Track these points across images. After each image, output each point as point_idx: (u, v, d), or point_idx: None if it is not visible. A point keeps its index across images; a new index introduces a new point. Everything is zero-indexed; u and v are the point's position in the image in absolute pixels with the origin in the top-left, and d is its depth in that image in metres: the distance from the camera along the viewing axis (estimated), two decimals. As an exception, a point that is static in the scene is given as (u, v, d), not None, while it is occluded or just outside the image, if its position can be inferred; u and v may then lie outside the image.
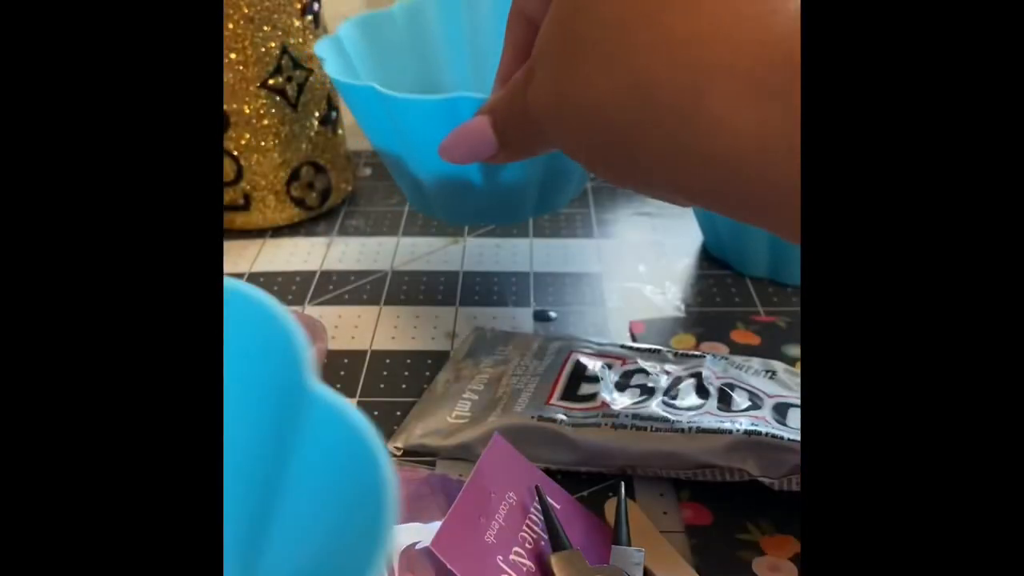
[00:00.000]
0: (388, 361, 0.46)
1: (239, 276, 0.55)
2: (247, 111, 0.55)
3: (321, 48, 0.49)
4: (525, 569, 0.31)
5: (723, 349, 0.46)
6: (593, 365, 0.41)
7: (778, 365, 0.41)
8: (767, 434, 0.34)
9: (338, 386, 0.44)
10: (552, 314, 0.50)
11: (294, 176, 0.59)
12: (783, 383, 0.39)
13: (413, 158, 0.46)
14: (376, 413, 0.42)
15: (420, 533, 0.34)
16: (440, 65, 0.57)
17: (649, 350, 0.43)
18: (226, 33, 0.53)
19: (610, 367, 0.41)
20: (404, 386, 0.44)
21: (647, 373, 0.40)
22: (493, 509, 0.32)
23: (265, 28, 0.54)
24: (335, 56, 0.50)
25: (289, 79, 0.56)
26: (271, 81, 0.55)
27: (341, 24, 0.52)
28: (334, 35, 0.51)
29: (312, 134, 0.59)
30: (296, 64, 0.56)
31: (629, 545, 0.32)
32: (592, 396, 0.39)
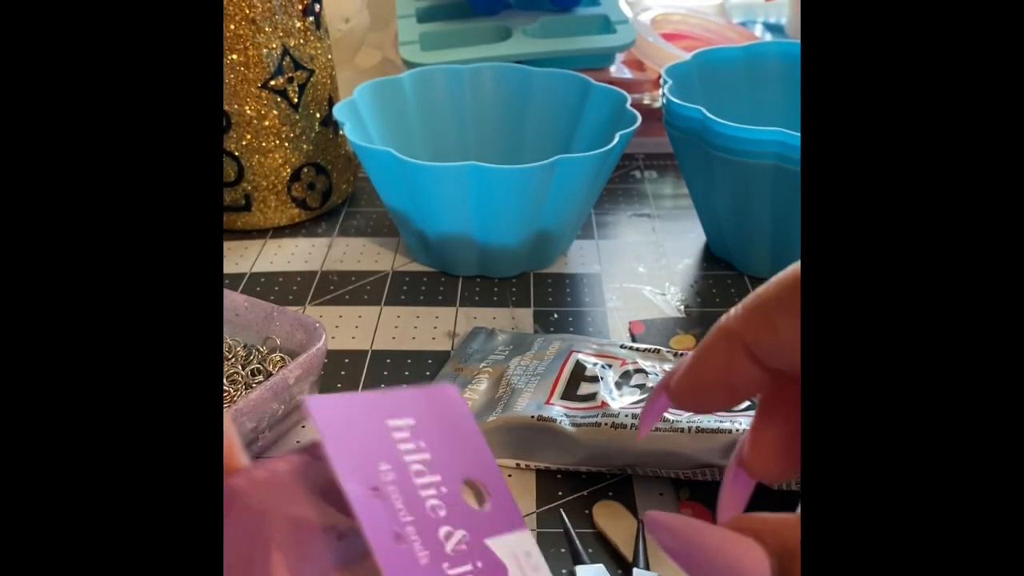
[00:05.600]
0: (388, 361, 0.46)
1: (240, 276, 0.55)
2: (248, 112, 0.56)
3: (339, 111, 0.54)
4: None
5: (723, 349, 0.46)
6: (593, 365, 0.41)
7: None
8: (766, 434, 0.34)
9: (338, 386, 0.44)
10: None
11: (295, 177, 0.59)
12: (782, 383, 0.39)
13: (421, 216, 0.52)
14: (377, 413, 0.42)
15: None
16: (445, 129, 0.62)
17: (649, 350, 0.43)
18: (227, 34, 0.54)
19: (610, 367, 0.41)
20: (404, 386, 0.44)
21: (646, 373, 0.41)
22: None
23: (266, 29, 0.54)
24: (352, 119, 0.55)
25: (290, 80, 0.56)
26: (272, 82, 0.56)
27: (356, 88, 0.57)
28: (350, 99, 0.56)
29: (313, 135, 0.59)
30: (297, 65, 0.57)
31: (647, 569, 0.32)
32: (592, 396, 0.39)
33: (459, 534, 0.21)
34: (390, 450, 0.22)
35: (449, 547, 0.21)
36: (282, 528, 0.20)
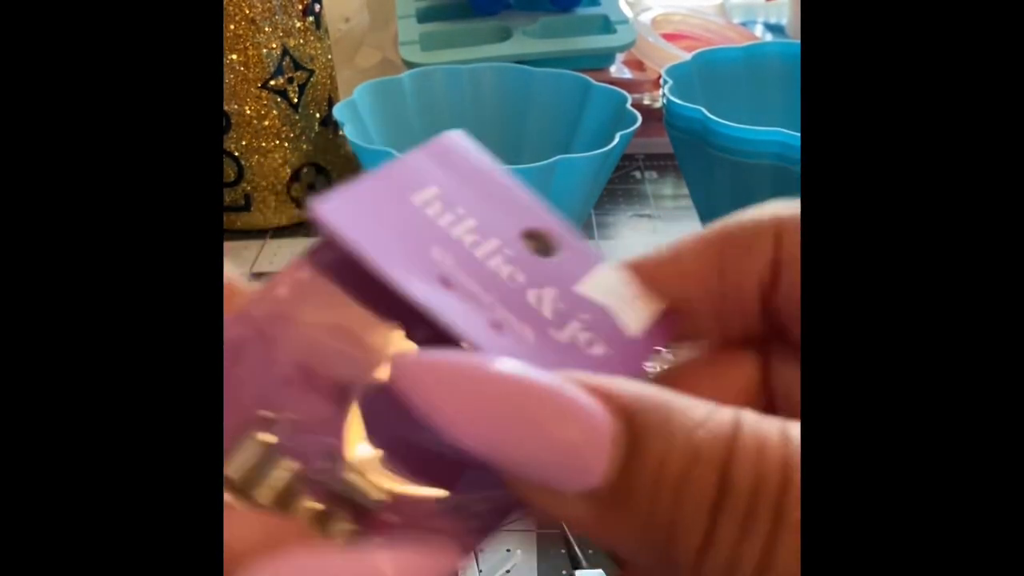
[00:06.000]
0: (388, 361, 0.46)
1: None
2: (248, 112, 0.55)
3: (339, 112, 0.53)
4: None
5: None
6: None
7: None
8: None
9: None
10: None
11: (295, 177, 0.59)
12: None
13: None
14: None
15: None
16: (445, 129, 0.59)
17: (649, 351, 0.43)
18: (227, 34, 0.53)
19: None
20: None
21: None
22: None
23: (266, 29, 0.54)
24: (352, 119, 0.54)
25: (290, 80, 0.56)
26: (272, 82, 0.55)
27: (356, 88, 0.56)
28: (350, 99, 0.55)
29: (313, 135, 0.59)
30: (297, 65, 0.57)
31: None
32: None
33: (549, 293, 0.18)
34: (433, 231, 0.18)
35: (547, 311, 0.18)
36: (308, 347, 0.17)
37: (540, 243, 0.19)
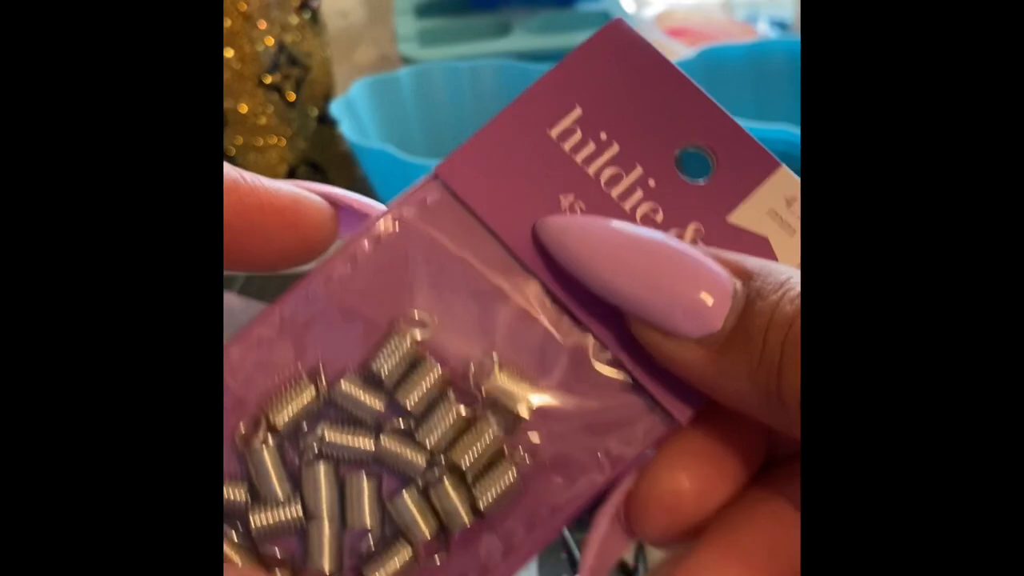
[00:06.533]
0: (386, 364, 0.46)
1: (235, 277, 0.54)
2: (244, 109, 0.55)
3: (336, 109, 0.53)
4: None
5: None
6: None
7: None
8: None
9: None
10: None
11: (291, 175, 0.58)
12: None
13: None
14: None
15: None
16: (444, 126, 0.60)
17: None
18: (222, 30, 0.53)
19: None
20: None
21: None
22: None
23: (262, 25, 0.54)
24: (349, 116, 0.54)
25: (287, 77, 0.56)
26: (268, 78, 0.55)
27: (353, 85, 0.56)
28: (347, 96, 0.55)
29: (310, 133, 0.58)
30: (294, 61, 0.56)
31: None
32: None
33: (691, 231, 0.17)
34: (566, 170, 0.17)
35: None
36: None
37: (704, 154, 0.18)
